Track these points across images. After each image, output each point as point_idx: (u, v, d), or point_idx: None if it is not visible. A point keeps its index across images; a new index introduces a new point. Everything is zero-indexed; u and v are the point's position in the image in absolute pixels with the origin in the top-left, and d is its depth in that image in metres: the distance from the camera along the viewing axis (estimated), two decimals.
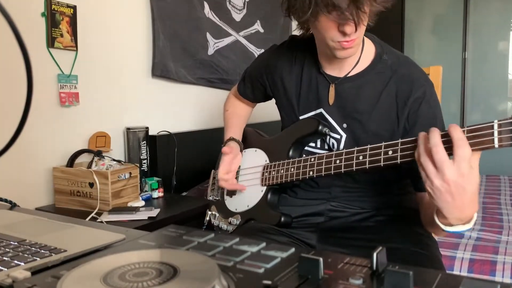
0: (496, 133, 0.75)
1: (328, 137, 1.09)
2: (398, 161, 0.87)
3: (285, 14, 1.00)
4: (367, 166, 0.92)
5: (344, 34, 0.91)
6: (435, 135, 0.76)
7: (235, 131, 1.32)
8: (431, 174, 0.76)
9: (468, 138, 0.76)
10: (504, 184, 2.94)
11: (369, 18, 0.95)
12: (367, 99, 1.05)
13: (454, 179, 0.74)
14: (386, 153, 0.88)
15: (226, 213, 1.26)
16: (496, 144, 0.75)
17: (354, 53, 1.00)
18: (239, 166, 1.25)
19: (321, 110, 1.10)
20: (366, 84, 1.05)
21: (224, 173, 1.19)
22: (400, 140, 0.87)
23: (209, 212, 1.33)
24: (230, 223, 1.23)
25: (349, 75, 1.07)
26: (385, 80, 1.04)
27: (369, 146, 0.92)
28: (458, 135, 0.74)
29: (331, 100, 1.08)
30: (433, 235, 1.10)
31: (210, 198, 1.36)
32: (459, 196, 0.75)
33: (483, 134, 0.76)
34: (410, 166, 0.89)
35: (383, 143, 0.89)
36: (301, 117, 1.13)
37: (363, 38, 1.07)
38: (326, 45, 0.97)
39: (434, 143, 0.75)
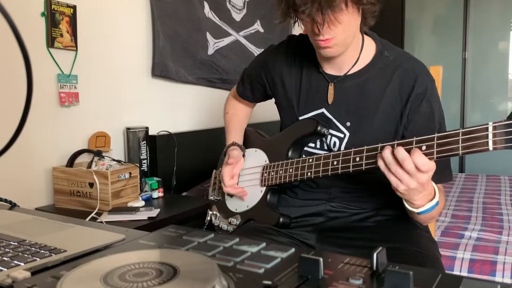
0: (490, 136, 0.75)
1: (329, 136, 1.09)
2: None
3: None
4: (363, 167, 0.92)
5: (314, 33, 0.95)
6: (400, 151, 0.84)
7: (236, 134, 1.32)
8: (406, 180, 0.85)
9: (463, 141, 0.78)
10: (504, 184, 2.94)
11: (361, 18, 0.97)
12: (371, 95, 1.05)
13: (426, 180, 0.85)
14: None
15: (227, 213, 1.26)
16: (491, 147, 0.75)
17: (336, 53, 1.01)
18: None
19: (323, 110, 1.10)
20: (369, 80, 1.05)
21: (229, 178, 1.19)
22: (396, 142, 0.87)
23: (210, 212, 1.33)
24: (230, 223, 1.23)
25: (349, 73, 1.07)
26: (388, 75, 1.04)
27: (365, 147, 0.92)
28: (421, 160, 0.82)
29: (330, 99, 1.08)
30: (432, 235, 1.10)
31: (211, 198, 1.36)
32: (425, 186, 0.87)
33: (478, 137, 0.76)
34: None
35: (379, 145, 0.90)
36: (301, 118, 1.13)
37: (363, 36, 1.07)
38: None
39: (404, 158, 0.83)
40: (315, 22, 0.92)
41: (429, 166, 0.83)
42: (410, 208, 0.93)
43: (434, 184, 0.92)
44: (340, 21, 0.93)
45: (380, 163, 0.87)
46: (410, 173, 0.84)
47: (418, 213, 0.92)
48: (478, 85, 4.07)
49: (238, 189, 1.20)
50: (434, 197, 0.92)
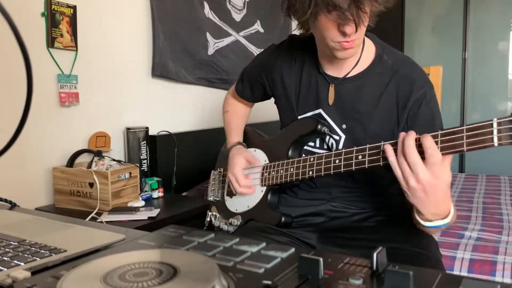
0: (495, 132, 0.75)
1: (327, 136, 1.09)
2: None
3: (285, 14, 1.00)
4: (366, 165, 0.92)
5: (344, 34, 0.91)
6: (410, 138, 0.82)
7: (239, 134, 1.32)
8: (407, 174, 0.82)
9: (467, 137, 0.77)
10: (504, 184, 2.94)
11: (369, 18, 0.95)
12: (368, 100, 1.04)
13: (427, 180, 0.80)
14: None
15: (227, 213, 1.26)
16: (496, 143, 0.75)
17: (354, 53, 1.00)
18: None
19: (320, 110, 1.10)
20: (366, 84, 1.05)
21: (243, 178, 1.18)
22: (397, 140, 0.87)
23: (210, 213, 1.33)
24: (230, 223, 1.23)
25: (348, 75, 1.07)
26: (385, 80, 1.04)
27: (368, 145, 0.92)
28: (428, 143, 0.80)
29: (331, 100, 1.08)
30: (433, 236, 1.10)
31: (211, 198, 1.35)
32: (432, 194, 0.82)
33: (483, 133, 0.76)
34: None
35: (382, 143, 0.89)
36: (299, 117, 1.13)
37: (364, 38, 1.07)
38: (326, 45, 0.97)
39: (407, 146, 0.81)
40: (353, 22, 0.88)
41: (435, 158, 0.78)
42: (417, 218, 0.90)
43: (452, 207, 0.88)
44: (366, 20, 0.92)
45: (390, 155, 0.85)
46: (410, 163, 0.81)
47: (424, 226, 0.90)
48: (478, 85, 4.06)
49: (252, 189, 1.19)
50: (446, 217, 0.88)
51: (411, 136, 0.82)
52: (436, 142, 0.81)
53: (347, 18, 0.87)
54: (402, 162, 0.83)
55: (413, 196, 0.84)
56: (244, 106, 1.39)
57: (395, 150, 0.85)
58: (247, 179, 1.19)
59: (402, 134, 0.84)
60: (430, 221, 0.88)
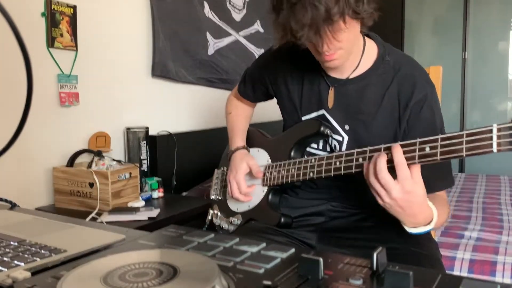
0: (495, 138, 0.75)
1: (330, 138, 1.09)
2: None
3: None
4: None
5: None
6: (381, 161, 0.84)
7: (243, 136, 1.31)
8: (381, 193, 0.86)
9: (467, 142, 0.77)
10: (504, 184, 2.94)
11: (355, 26, 0.94)
12: (370, 101, 1.04)
13: (400, 196, 0.84)
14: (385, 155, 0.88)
15: (228, 212, 1.26)
16: (495, 149, 0.75)
17: (341, 63, 1.00)
18: None
19: (323, 111, 1.10)
20: (369, 85, 1.05)
21: (246, 187, 1.18)
22: (399, 143, 0.87)
23: (211, 211, 1.33)
24: (231, 222, 1.23)
25: (351, 76, 1.06)
26: (387, 81, 1.03)
27: (368, 148, 0.92)
28: (398, 159, 0.83)
29: (330, 103, 1.08)
30: (432, 235, 1.10)
31: (213, 197, 1.36)
32: (407, 207, 0.86)
33: (482, 139, 0.76)
34: None
35: (383, 145, 0.89)
36: (303, 118, 1.13)
37: (365, 38, 1.06)
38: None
39: (379, 169, 0.84)
40: (318, 43, 0.91)
41: (404, 173, 0.82)
42: (402, 224, 0.92)
43: (434, 211, 0.90)
44: (340, 39, 0.92)
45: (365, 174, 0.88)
46: (383, 184, 0.84)
47: (409, 232, 0.92)
48: (478, 85, 4.07)
49: (248, 197, 1.19)
50: (428, 224, 0.91)
51: (383, 159, 0.84)
52: (436, 147, 0.81)
53: (317, 40, 0.90)
54: (375, 182, 0.86)
55: (390, 210, 0.88)
56: (247, 107, 1.39)
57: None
58: (249, 188, 1.18)
59: (376, 155, 0.87)
60: (415, 227, 0.91)
